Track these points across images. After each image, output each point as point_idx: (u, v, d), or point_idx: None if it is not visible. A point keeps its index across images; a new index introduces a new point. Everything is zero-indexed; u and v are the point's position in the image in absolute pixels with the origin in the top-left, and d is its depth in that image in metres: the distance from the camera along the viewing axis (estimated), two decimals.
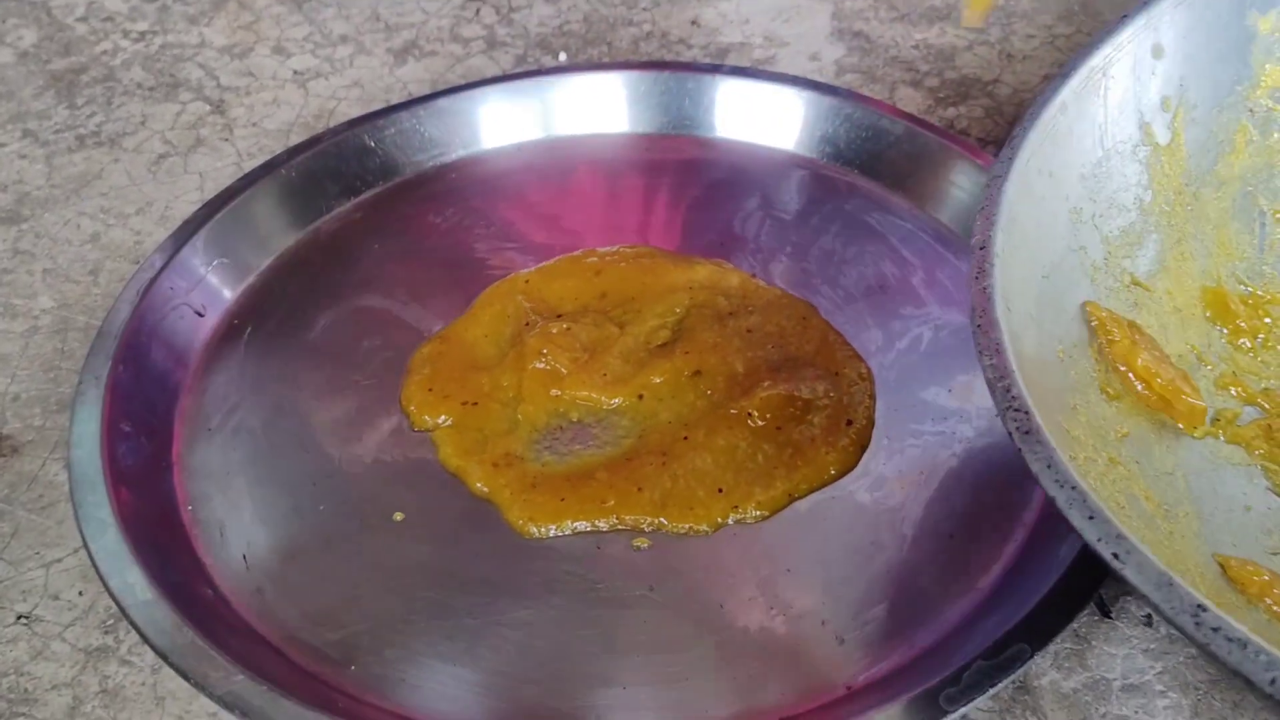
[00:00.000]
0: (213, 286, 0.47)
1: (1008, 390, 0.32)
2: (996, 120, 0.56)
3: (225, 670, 0.34)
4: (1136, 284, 0.40)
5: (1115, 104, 0.40)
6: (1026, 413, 0.31)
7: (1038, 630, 0.34)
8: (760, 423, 0.41)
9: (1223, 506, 0.36)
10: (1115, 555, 0.28)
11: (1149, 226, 0.41)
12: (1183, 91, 0.42)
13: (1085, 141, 0.39)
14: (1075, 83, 0.39)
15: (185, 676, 0.34)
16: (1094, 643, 0.36)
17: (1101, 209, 0.39)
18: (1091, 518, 0.29)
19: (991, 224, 0.34)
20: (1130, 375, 0.37)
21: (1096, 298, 0.38)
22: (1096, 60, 0.39)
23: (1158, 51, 0.41)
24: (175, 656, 0.35)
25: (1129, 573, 0.28)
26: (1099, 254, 0.39)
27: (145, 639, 0.35)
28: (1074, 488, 0.29)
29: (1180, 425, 0.37)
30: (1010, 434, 0.31)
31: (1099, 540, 0.28)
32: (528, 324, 0.45)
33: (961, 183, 0.50)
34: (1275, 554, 0.35)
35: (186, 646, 0.35)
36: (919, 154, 0.51)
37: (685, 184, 0.52)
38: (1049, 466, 0.30)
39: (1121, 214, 0.40)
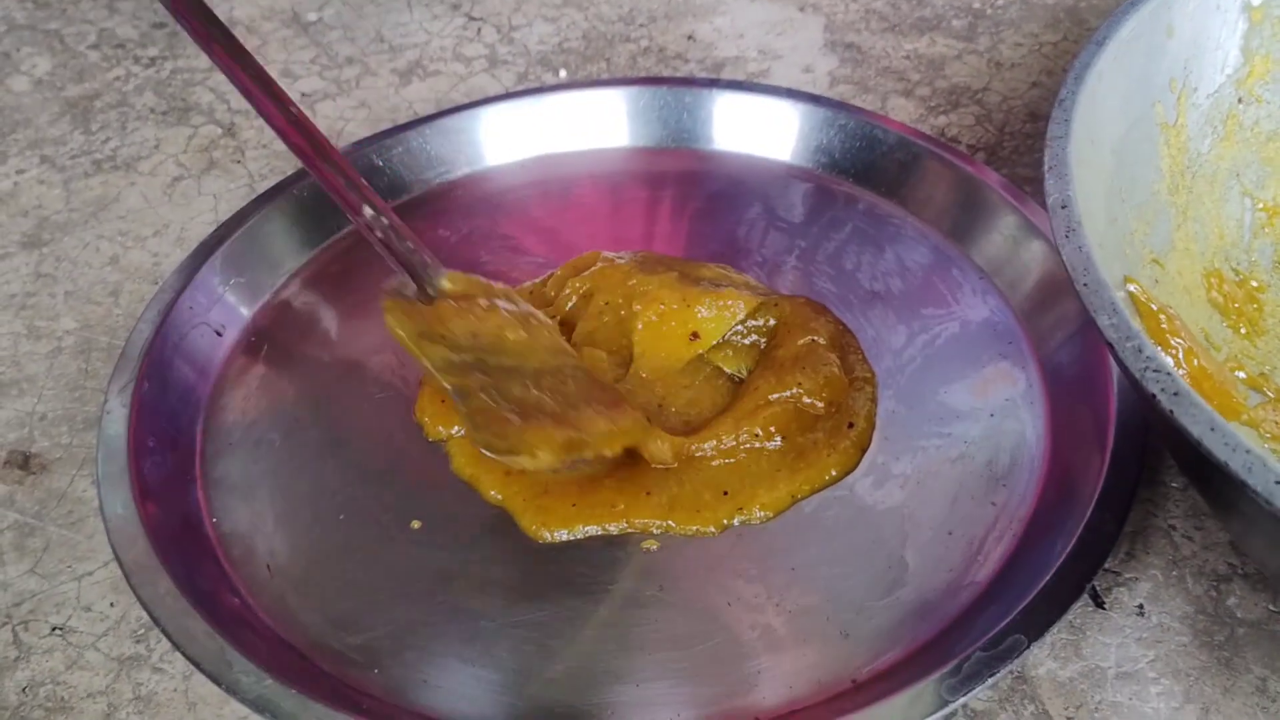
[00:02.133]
0: (230, 305, 0.49)
1: (1139, 351, 0.29)
2: (986, 127, 0.57)
3: (255, 675, 0.36)
4: (1155, 261, 0.41)
5: (1136, 78, 0.40)
6: (1169, 374, 0.28)
7: (1034, 622, 0.36)
8: (769, 442, 0.42)
9: None
10: None
11: (1161, 205, 0.41)
12: (1186, 74, 0.42)
13: (1115, 113, 0.40)
14: (1109, 52, 0.39)
15: (217, 682, 0.36)
16: (1089, 633, 0.38)
17: (1126, 184, 0.40)
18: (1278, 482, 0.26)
19: (1067, 183, 0.33)
20: (1179, 366, 0.36)
21: (1130, 273, 0.38)
22: (1124, 32, 0.40)
23: (1170, 31, 0.41)
24: (207, 663, 0.36)
25: None
26: (1127, 228, 0.39)
27: (178, 647, 0.37)
28: (1249, 451, 0.26)
29: None
30: (1152, 398, 0.28)
31: None
32: None
33: (952, 191, 0.51)
34: None
35: (217, 653, 0.36)
36: (911, 162, 0.53)
37: (686, 195, 0.53)
38: (1213, 429, 0.27)
39: (1140, 190, 0.41)
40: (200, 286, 0.48)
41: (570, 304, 0.47)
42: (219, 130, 0.60)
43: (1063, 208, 0.34)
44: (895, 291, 0.49)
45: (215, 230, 0.50)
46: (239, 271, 0.50)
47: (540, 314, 0.44)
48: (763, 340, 0.46)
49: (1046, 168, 0.35)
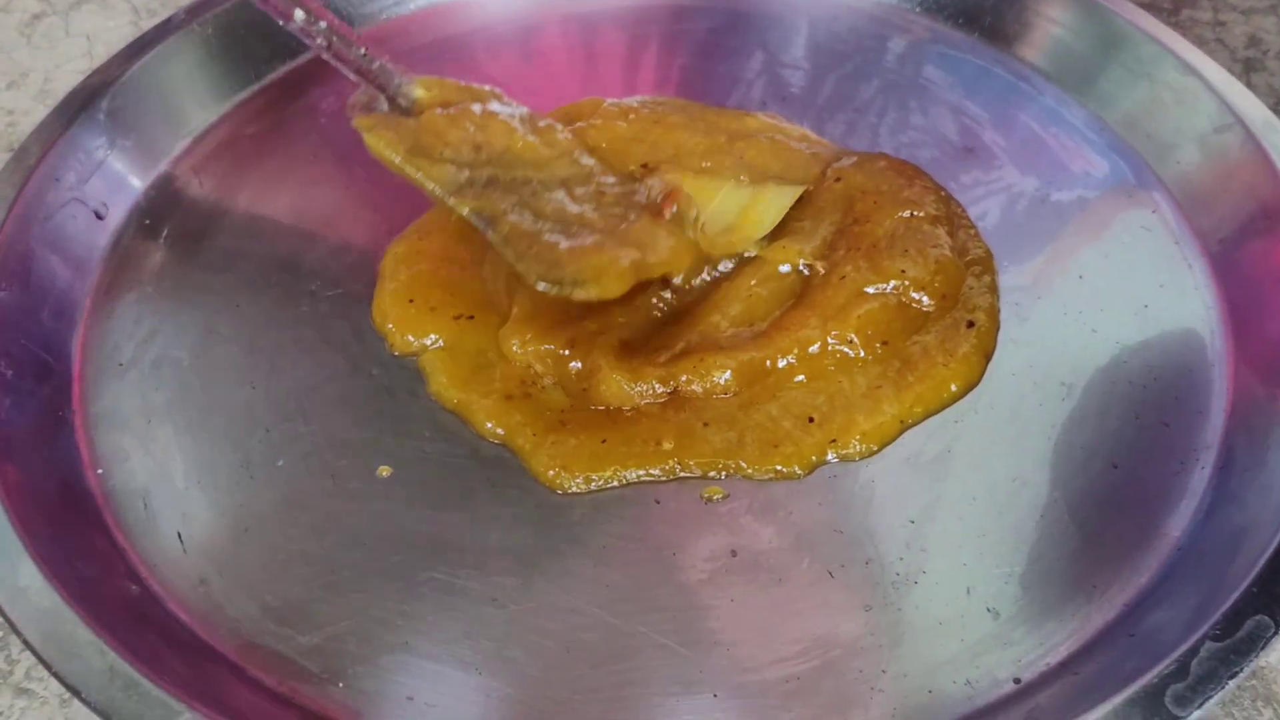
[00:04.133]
0: (114, 176, 0.37)
1: None
2: None
3: (165, 707, 0.25)
4: None
5: None
6: None
7: (1275, 594, 0.26)
8: (864, 350, 0.31)
9: None
10: None
11: None
12: None
13: None
14: None
15: (107, 718, 0.25)
16: None
17: None
18: None
19: None
20: None
21: None
22: None
23: None
24: (91, 690, 0.25)
25: None
26: None
27: (47, 665, 0.26)
28: None
29: None
30: None
31: None
32: None
33: (1054, 15, 0.40)
34: None
35: (106, 673, 0.25)
36: None
37: (720, 30, 0.42)
38: None
39: None
40: (72, 151, 0.37)
41: None
42: None
43: None
44: (995, 149, 0.38)
45: (88, 77, 0.39)
46: (124, 131, 0.38)
47: (545, 116, 0.35)
48: (828, 224, 0.34)
49: None
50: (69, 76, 0.42)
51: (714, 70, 0.41)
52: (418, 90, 0.34)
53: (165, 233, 0.36)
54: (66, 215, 0.35)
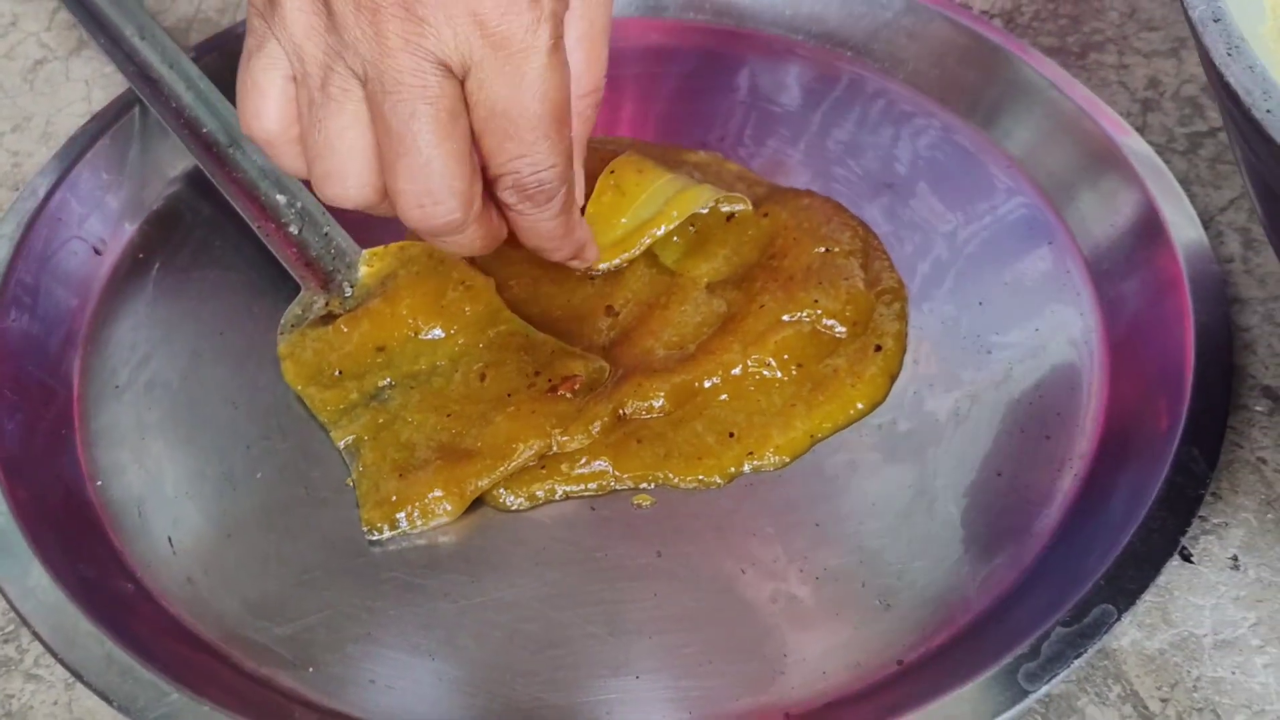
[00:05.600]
0: (110, 215, 0.40)
1: None
2: None
3: (155, 688, 0.28)
4: None
5: None
6: None
7: (1122, 588, 0.29)
8: (780, 372, 0.35)
9: None
10: None
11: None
12: None
13: None
14: None
15: (106, 698, 0.28)
16: (1176, 593, 0.31)
17: None
18: None
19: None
20: None
21: None
22: None
23: None
24: (91, 674, 0.29)
25: None
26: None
27: (53, 653, 0.29)
28: None
29: None
30: None
31: None
32: None
33: (973, 64, 0.43)
34: None
35: (104, 660, 0.29)
36: (920, 32, 0.45)
37: (658, 74, 0.45)
38: None
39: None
40: (72, 192, 0.40)
41: None
42: None
43: (1215, 21, 0.26)
44: (909, 184, 0.41)
45: (89, 122, 0.42)
46: (120, 173, 0.41)
47: (470, 270, 0.37)
48: (747, 255, 0.38)
49: None
50: (69, 120, 0.45)
51: (682, 108, 0.44)
52: (362, 268, 0.37)
53: (157, 266, 0.39)
54: (68, 251, 0.39)
